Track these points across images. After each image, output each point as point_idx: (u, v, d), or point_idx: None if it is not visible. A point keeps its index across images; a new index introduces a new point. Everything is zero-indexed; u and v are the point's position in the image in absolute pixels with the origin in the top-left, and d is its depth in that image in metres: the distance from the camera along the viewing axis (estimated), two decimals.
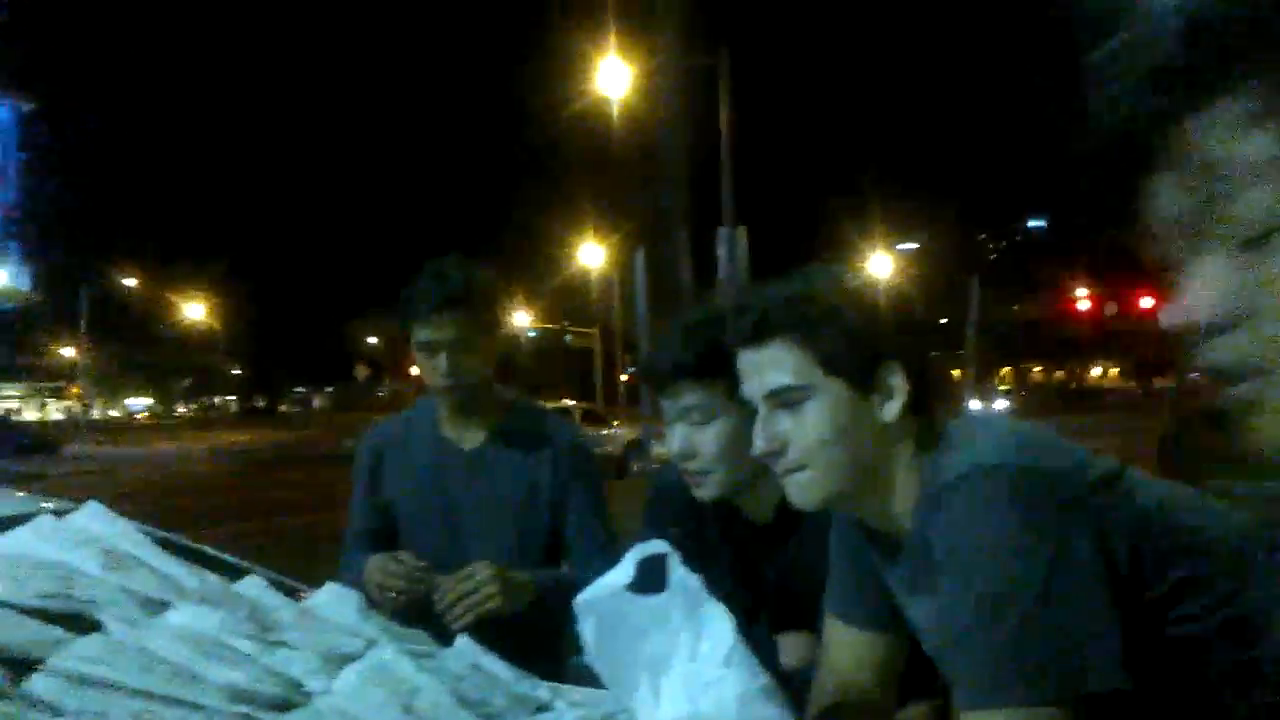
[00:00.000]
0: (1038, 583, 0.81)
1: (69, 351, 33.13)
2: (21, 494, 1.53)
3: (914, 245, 31.96)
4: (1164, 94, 0.44)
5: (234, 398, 67.51)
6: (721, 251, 9.08)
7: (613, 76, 12.00)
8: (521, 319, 39.19)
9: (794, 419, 0.96)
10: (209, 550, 1.41)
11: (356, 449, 1.79)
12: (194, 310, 48.36)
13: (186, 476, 19.12)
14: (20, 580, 1.03)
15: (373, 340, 46.66)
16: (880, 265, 31.04)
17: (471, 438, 1.69)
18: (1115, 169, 0.48)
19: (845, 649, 1.11)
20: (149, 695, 0.90)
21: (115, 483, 16.56)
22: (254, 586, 1.16)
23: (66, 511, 1.23)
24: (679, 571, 1.04)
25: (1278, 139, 0.42)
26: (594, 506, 1.70)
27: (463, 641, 1.18)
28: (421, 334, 1.60)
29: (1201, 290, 0.45)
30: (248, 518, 10.51)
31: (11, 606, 0.99)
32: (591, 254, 31.39)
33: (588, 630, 1.05)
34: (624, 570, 1.08)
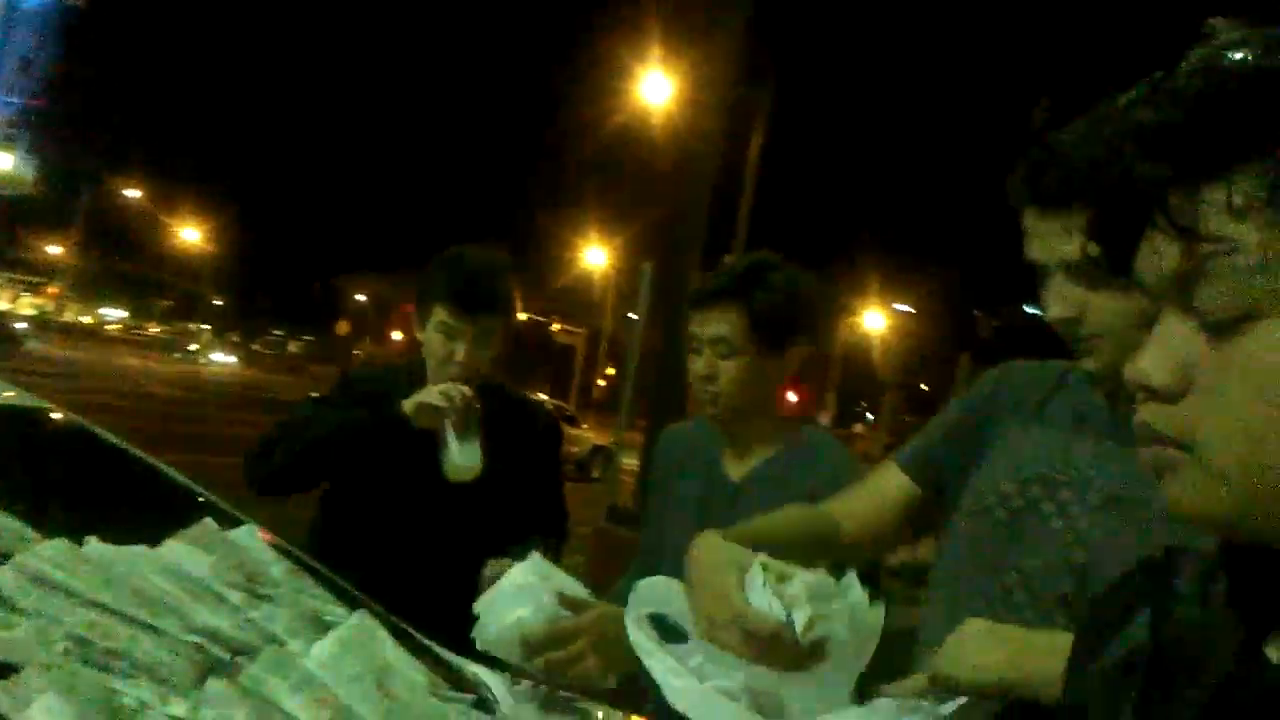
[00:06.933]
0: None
1: (56, 250, 32.58)
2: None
3: (908, 308, 31.92)
4: (1156, 160, 0.44)
5: (209, 327, 66.73)
6: None
7: (652, 88, 12.03)
8: None
9: (1092, 290, 0.93)
10: (211, 496, 1.38)
11: (654, 454, 1.64)
12: (189, 234, 47.82)
13: (148, 398, 18.79)
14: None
15: (361, 298, 46.25)
16: (873, 320, 31.13)
17: (741, 467, 1.52)
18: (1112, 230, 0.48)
19: (882, 486, 1.17)
20: (105, 609, 0.88)
21: (75, 390, 16.23)
22: (248, 536, 1.14)
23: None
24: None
25: (1258, 229, 0.42)
26: None
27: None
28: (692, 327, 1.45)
29: (1159, 354, 0.46)
30: (205, 450, 10.32)
31: None
32: (596, 256, 31.36)
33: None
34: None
